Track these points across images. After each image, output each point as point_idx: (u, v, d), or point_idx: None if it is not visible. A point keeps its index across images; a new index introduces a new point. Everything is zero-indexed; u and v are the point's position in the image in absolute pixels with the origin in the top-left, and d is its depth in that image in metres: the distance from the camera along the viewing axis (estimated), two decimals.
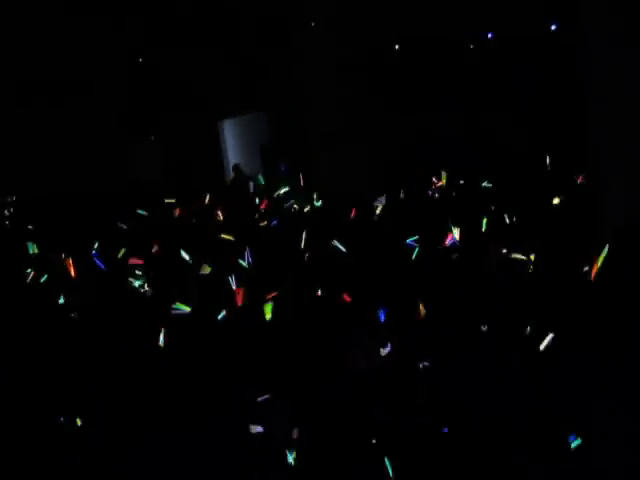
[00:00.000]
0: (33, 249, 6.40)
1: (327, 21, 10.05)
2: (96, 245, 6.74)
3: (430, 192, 7.99)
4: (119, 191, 9.93)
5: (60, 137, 10.34)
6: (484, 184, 7.29)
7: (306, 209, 7.51)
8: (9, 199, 9.29)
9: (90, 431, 3.94)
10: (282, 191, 8.07)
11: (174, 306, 4.80)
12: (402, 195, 7.76)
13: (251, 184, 9.37)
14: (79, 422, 3.94)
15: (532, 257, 5.10)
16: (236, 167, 11.61)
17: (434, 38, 10.01)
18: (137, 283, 5.93)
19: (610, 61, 6.65)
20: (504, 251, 5.34)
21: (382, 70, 10.46)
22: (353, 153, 10.00)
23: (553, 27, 9.36)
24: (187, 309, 4.77)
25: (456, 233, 5.39)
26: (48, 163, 10.13)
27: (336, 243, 5.67)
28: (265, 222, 7.16)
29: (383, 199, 6.18)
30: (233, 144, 12.71)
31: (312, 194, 7.63)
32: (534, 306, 4.50)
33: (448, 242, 5.45)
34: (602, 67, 6.75)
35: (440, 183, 7.90)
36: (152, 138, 11.93)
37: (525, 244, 5.44)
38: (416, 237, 5.46)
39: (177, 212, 7.85)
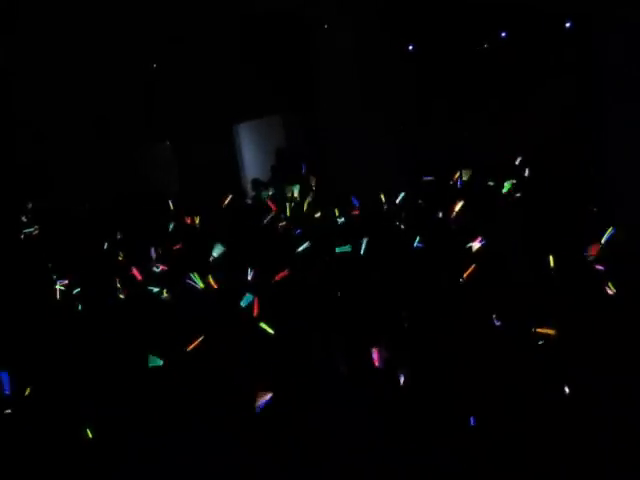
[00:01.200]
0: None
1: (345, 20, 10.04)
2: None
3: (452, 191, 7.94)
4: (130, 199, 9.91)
5: (70, 141, 10.27)
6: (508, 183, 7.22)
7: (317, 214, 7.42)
8: (28, 205, 9.28)
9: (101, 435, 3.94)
10: (295, 192, 7.95)
11: (191, 276, 4.73)
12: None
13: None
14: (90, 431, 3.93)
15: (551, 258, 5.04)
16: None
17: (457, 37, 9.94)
18: (155, 290, 5.93)
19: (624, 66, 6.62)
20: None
21: (405, 70, 10.41)
22: (376, 152, 9.96)
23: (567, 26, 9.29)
24: (201, 284, 4.71)
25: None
26: (60, 169, 10.07)
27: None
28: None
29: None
30: (249, 148, 12.69)
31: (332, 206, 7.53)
32: (554, 307, 4.45)
33: (477, 243, 5.38)
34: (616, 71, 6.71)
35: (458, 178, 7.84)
36: (167, 143, 11.93)
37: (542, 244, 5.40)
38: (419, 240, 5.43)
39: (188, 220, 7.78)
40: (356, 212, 7.55)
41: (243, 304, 4.65)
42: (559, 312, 4.29)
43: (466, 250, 5.38)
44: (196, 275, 4.89)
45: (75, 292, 5.83)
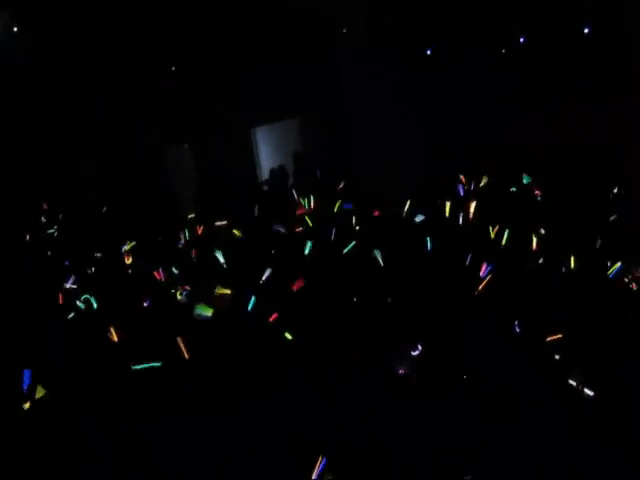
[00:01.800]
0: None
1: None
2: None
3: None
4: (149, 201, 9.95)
5: (88, 144, 10.27)
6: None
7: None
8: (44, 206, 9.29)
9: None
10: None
11: (196, 309, 4.74)
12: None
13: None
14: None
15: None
16: None
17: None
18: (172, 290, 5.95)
19: None
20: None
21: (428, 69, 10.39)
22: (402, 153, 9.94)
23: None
24: (209, 312, 4.70)
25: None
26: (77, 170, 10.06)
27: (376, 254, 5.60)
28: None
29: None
30: (266, 151, 12.70)
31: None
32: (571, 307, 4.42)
33: (483, 273, 5.29)
34: None
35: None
36: (185, 145, 11.96)
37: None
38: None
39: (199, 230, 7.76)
40: (376, 213, 7.52)
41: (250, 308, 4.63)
42: (576, 312, 4.26)
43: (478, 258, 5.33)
44: (202, 306, 4.87)
45: (83, 298, 5.85)
